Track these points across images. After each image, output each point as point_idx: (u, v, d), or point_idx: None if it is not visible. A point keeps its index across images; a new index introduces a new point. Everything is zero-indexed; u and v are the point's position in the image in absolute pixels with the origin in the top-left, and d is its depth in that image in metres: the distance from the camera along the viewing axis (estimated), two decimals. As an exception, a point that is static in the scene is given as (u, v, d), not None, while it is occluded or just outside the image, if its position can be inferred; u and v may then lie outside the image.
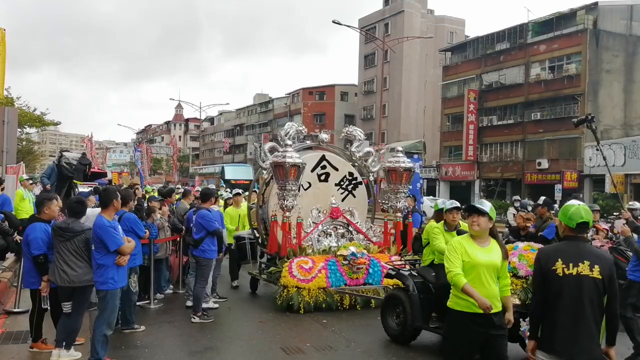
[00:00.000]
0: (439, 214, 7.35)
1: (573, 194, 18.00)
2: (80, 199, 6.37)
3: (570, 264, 3.54)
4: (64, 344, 5.84)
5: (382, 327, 7.17)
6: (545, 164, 36.48)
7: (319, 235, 9.29)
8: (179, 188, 16.38)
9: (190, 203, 10.29)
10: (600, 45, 35.65)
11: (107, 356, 5.69)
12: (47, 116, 34.86)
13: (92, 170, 15.17)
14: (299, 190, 9.03)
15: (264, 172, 9.64)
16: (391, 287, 8.10)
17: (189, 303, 8.37)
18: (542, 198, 14.11)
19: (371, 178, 10.59)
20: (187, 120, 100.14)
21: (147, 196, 11.62)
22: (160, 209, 9.16)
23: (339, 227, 9.56)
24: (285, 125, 9.77)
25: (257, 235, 10.09)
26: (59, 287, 5.78)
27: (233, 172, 41.92)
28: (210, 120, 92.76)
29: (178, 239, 9.57)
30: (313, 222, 9.32)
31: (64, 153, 12.00)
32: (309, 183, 9.67)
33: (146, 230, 7.72)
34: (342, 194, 10.01)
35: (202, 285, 7.95)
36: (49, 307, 6.09)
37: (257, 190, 10.75)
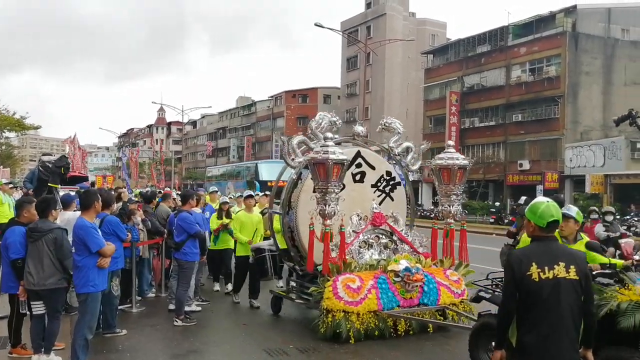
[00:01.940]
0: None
1: (554, 194, 18.22)
2: (44, 198, 6.34)
3: (546, 268, 3.33)
4: (42, 349, 5.75)
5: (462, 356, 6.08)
6: (526, 165, 36.93)
7: (359, 247, 7.79)
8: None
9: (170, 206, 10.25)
10: (579, 48, 36.22)
11: (87, 360, 5.61)
12: (27, 120, 34.50)
13: (72, 174, 14.97)
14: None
15: (292, 171, 8.26)
16: (450, 307, 7.25)
17: (172, 306, 8.29)
18: (523, 198, 14.28)
19: (411, 178, 9.21)
20: (170, 123, 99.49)
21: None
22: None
23: (381, 236, 8.03)
24: (317, 116, 8.36)
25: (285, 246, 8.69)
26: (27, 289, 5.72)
27: (269, 171, 30.11)
28: (193, 123, 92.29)
29: (160, 242, 9.50)
30: (353, 231, 7.76)
31: (43, 157, 11.83)
32: (343, 184, 8.13)
33: (127, 233, 7.66)
34: (378, 196, 8.65)
35: (184, 289, 7.89)
36: (27, 312, 6.00)
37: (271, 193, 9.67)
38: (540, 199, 3.63)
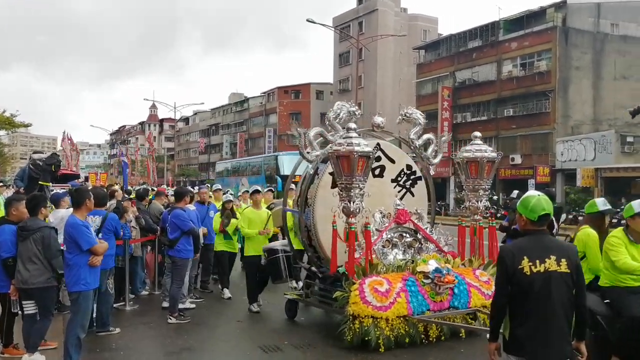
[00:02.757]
0: (595, 219, 5.50)
1: (545, 188, 18.30)
2: (33, 195, 6.30)
3: (537, 261, 3.37)
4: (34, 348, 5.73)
5: None
6: (518, 160, 37.07)
7: (383, 246, 7.22)
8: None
9: (163, 203, 10.21)
10: (570, 43, 36.36)
11: (81, 359, 5.59)
12: (17, 118, 34.21)
13: (64, 171, 14.90)
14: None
15: (309, 166, 7.67)
16: (482, 310, 6.81)
17: (165, 304, 8.28)
18: (515, 192, 14.33)
19: (431, 172, 8.62)
20: (162, 120, 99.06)
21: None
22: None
23: (405, 234, 7.45)
24: (335, 106, 7.77)
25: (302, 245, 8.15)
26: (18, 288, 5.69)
27: (291, 165, 25.33)
28: (185, 120, 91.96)
29: (153, 239, 9.47)
30: (376, 230, 7.22)
31: (33, 155, 11.76)
32: None
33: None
34: (399, 191, 8.07)
35: (178, 286, 7.87)
36: (19, 312, 5.97)
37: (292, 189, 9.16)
38: (531, 192, 3.65)
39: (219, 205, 10.30)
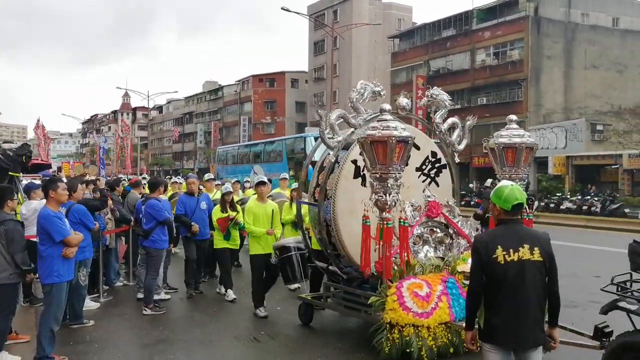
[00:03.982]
0: None
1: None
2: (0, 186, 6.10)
3: (511, 250, 3.43)
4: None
5: None
6: (491, 148, 37.59)
7: (414, 243, 6.49)
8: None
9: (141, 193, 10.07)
10: (541, 32, 36.88)
11: (54, 353, 5.51)
12: (-16, 107, 33.28)
13: (34, 161, 14.59)
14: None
15: (330, 152, 6.69)
16: None
17: (140, 295, 8.21)
18: (489, 180, 14.52)
19: (456, 160, 7.75)
20: (135, 109, 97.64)
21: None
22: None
23: (436, 229, 6.75)
24: (357, 85, 7.00)
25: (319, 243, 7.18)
26: None
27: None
28: (159, 108, 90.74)
29: (128, 229, 9.36)
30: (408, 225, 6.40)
31: (3, 145, 11.48)
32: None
33: (95, 222, 7.52)
34: (423, 181, 7.31)
35: (153, 277, 7.81)
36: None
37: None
38: (504, 182, 3.70)
39: (213, 196, 9.85)
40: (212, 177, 11.22)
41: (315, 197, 7.07)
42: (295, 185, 9.25)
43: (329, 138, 6.51)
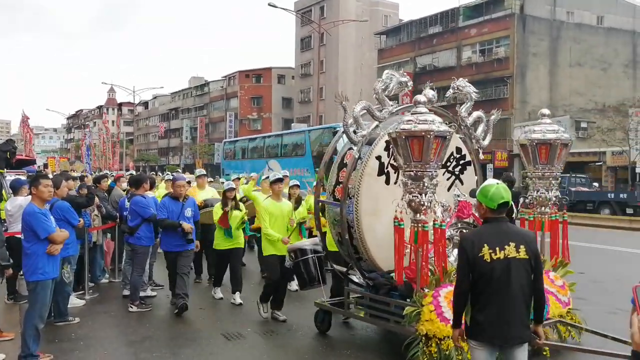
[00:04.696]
0: None
1: (504, 173, 18.74)
2: None
3: (497, 248, 3.47)
4: None
5: None
6: (477, 145, 37.87)
7: None
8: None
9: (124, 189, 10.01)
10: (527, 30, 37.18)
11: (39, 351, 5.46)
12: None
13: (19, 157, 14.44)
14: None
15: (354, 148, 6.14)
16: (562, 320, 5.90)
17: (126, 292, 8.17)
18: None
19: (480, 156, 7.18)
20: (120, 104, 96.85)
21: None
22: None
23: (465, 231, 6.18)
24: (383, 75, 6.47)
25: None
26: None
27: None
28: (145, 104, 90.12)
29: (114, 226, 9.30)
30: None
31: (-14, 141, 11.34)
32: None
33: (80, 219, 7.45)
34: (447, 179, 6.83)
35: (139, 274, 7.76)
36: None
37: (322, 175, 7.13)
38: (490, 181, 3.74)
39: (204, 195, 9.38)
40: (204, 172, 10.60)
41: (335, 196, 6.54)
42: (295, 182, 8.75)
43: (353, 132, 6.01)
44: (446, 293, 5.22)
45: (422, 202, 5.26)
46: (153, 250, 8.57)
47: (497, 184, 3.65)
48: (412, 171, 5.31)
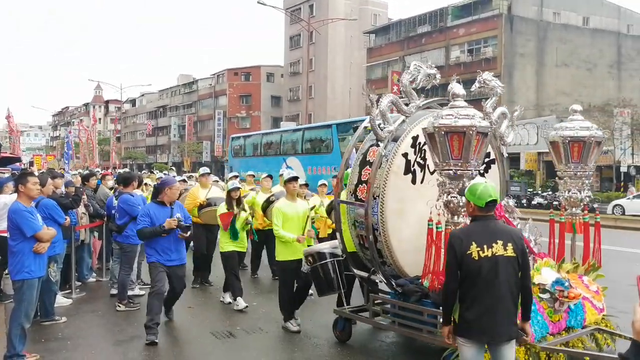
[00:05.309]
0: None
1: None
2: None
3: (485, 246, 3.50)
4: None
5: None
6: (465, 144, 38.13)
7: None
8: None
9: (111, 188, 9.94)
10: (515, 30, 37.45)
11: (25, 350, 5.41)
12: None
13: (3, 154, 14.31)
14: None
15: (380, 144, 5.77)
16: (602, 328, 5.56)
17: (114, 291, 8.11)
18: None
19: (505, 153, 6.86)
20: (107, 102, 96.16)
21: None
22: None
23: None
24: (411, 66, 6.12)
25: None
26: None
27: None
28: (132, 101, 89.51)
29: (101, 224, 9.24)
30: None
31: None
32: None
33: (66, 217, 7.39)
34: None
35: (127, 272, 7.72)
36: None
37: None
38: (478, 179, 3.79)
39: (208, 194, 8.86)
40: (207, 170, 9.65)
41: (357, 196, 6.04)
42: (322, 182, 8.47)
43: (380, 128, 5.63)
44: None
45: (461, 204, 4.83)
46: (141, 248, 8.52)
47: (485, 182, 3.69)
48: (451, 170, 4.89)
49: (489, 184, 3.67)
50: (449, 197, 4.90)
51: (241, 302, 7.53)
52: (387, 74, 43.45)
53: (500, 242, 3.53)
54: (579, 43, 39.73)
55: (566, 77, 38.54)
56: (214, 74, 68.09)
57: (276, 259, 6.93)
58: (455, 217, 4.93)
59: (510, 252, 3.53)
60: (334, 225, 8.01)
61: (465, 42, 39.29)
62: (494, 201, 3.63)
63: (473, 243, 3.52)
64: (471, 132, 4.71)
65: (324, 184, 8.99)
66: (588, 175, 6.30)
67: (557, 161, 6.30)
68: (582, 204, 6.29)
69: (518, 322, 3.68)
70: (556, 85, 38.24)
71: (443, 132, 4.80)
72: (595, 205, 24.67)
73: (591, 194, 6.48)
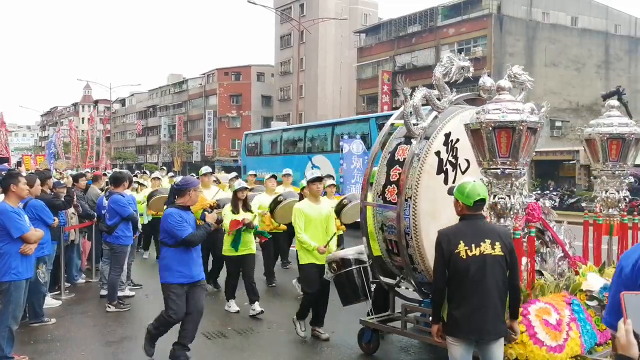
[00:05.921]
0: None
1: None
2: None
3: (473, 245, 3.51)
4: None
5: None
6: (455, 143, 38.27)
7: None
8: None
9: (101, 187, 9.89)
10: (504, 30, 37.64)
11: (14, 352, 5.38)
12: None
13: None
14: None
15: (413, 142, 5.37)
16: None
17: (103, 292, 8.07)
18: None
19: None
20: (97, 101, 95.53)
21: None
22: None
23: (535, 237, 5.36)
24: (444, 59, 5.92)
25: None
26: None
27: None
28: (122, 101, 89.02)
29: (91, 225, 9.19)
30: None
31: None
32: (468, 161, 5.50)
33: (55, 218, 7.33)
34: None
35: (117, 273, 7.68)
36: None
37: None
38: (466, 179, 3.79)
39: (209, 194, 8.59)
40: (209, 170, 9.31)
41: (385, 198, 5.61)
42: (303, 182, 7.72)
43: (414, 125, 5.29)
44: (537, 310, 4.52)
45: (507, 205, 4.51)
46: (131, 249, 8.49)
47: (474, 181, 3.71)
48: (499, 169, 4.51)
49: (478, 183, 3.69)
50: (496, 198, 4.54)
51: (233, 305, 7.47)
52: (377, 74, 43.51)
53: (488, 241, 3.55)
54: (568, 43, 40.01)
55: (555, 76, 38.78)
56: (204, 74, 67.85)
57: (299, 263, 6.53)
58: (502, 220, 4.56)
59: (498, 251, 3.55)
60: (343, 227, 8.14)
61: (455, 41, 39.43)
62: (482, 200, 3.65)
63: (461, 242, 3.54)
64: (521, 127, 4.41)
65: (333, 184, 8.76)
66: (626, 174, 5.97)
67: (593, 160, 5.95)
68: (619, 204, 5.97)
69: (507, 321, 3.71)
70: (545, 85, 38.43)
71: (490, 128, 4.45)
72: (584, 204, 24.96)
73: (629, 194, 6.13)
